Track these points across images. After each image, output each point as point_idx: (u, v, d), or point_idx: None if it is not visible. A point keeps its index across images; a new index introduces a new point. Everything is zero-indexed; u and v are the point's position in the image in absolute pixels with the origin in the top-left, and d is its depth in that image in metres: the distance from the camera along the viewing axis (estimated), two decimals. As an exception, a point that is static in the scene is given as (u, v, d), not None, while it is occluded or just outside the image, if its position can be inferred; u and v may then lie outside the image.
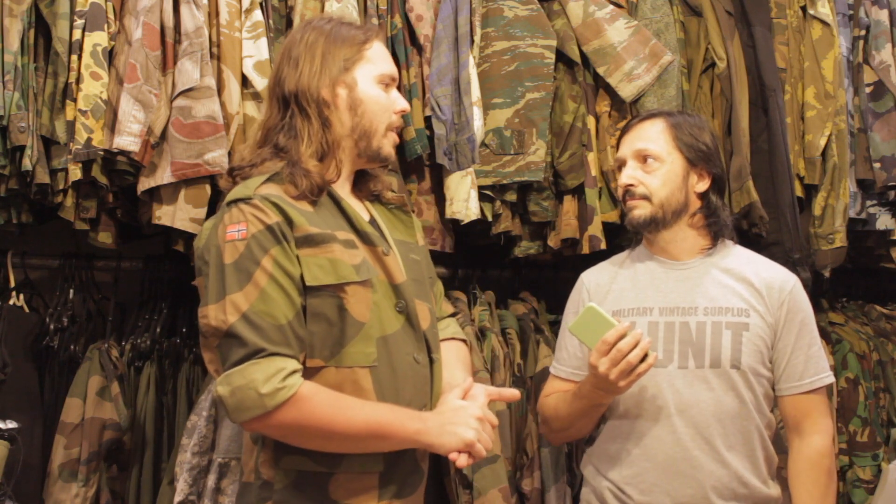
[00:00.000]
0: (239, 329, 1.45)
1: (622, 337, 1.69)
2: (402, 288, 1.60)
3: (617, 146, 1.99)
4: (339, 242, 1.55)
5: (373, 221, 1.68)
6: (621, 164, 1.93)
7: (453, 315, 1.84)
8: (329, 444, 1.51)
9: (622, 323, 1.72)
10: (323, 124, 1.60)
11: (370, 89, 1.65)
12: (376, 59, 1.67)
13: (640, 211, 1.87)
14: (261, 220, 1.51)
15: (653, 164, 1.88)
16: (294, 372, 1.47)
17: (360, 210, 1.68)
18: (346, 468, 1.52)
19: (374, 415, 1.49)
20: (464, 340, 1.78)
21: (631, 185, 1.87)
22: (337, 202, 1.61)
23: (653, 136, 1.90)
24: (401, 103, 1.70)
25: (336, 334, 1.53)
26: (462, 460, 1.49)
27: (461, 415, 1.53)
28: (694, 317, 1.84)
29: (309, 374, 1.51)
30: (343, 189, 1.66)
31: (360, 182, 1.72)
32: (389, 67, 1.70)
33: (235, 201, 1.53)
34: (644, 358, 1.69)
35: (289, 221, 1.51)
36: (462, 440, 1.49)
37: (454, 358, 1.72)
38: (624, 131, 1.97)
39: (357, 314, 1.54)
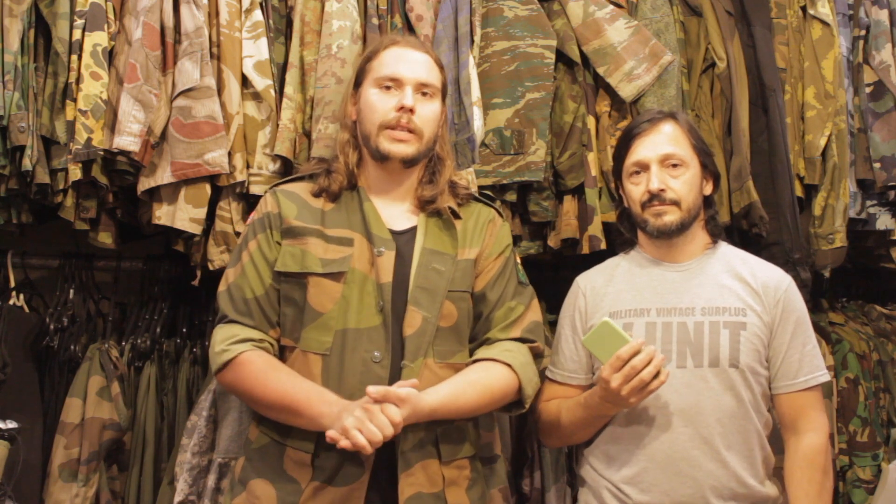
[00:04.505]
0: (222, 297, 1.76)
1: (636, 353, 1.69)
2: (384, 288, 1.69)
3: (624, 147, 1.93)
4: (322, 237, 1.72)
5: (412, 229, 1.77)
6: (641, 168, 1.88)
7: (522, 341, 1.80)
8: (258, 409, 1.71)
9: (636, 339, 1.72)
10: (351, 137, 1.81)
11: (367, 94, 1.79)
12: (378, 66, 1.79)
13: (671, 217, 1.84)
14: (262, 210, 1.80)
15: (679, 169, 1.86)
16: (245, 340, 1.68)
17: (396, 215, 1.79)
18: (290, 442, 1.68)
19: (290, 391, 1.63)
20: (507, 364, 1.73)
21: (662, 189, 1.84)
22: (360, 203, 1.77)
23: (676, 139, 1.88)
24: (400, 100, 1.75)
25: (299, 318, 1.71)
26: (342, 442, 1.54)
27: (353, 405, 1.57)
28: (691, 317, 1.84)
29: (283, 351, 1.75)
30: (387, 194, 1.79)
31: (419, 192, 1.81)
32: (390, 70, 1.77)
33: (267, 192, 1.84)
34: (657, 375, 1.69)
35: (280, 213, 1.75)
36: (341, 426, 1.55)
37: (462, 375, 1.72)
38: (635, 133, 1.91)
39: (315, 304, 1.69)
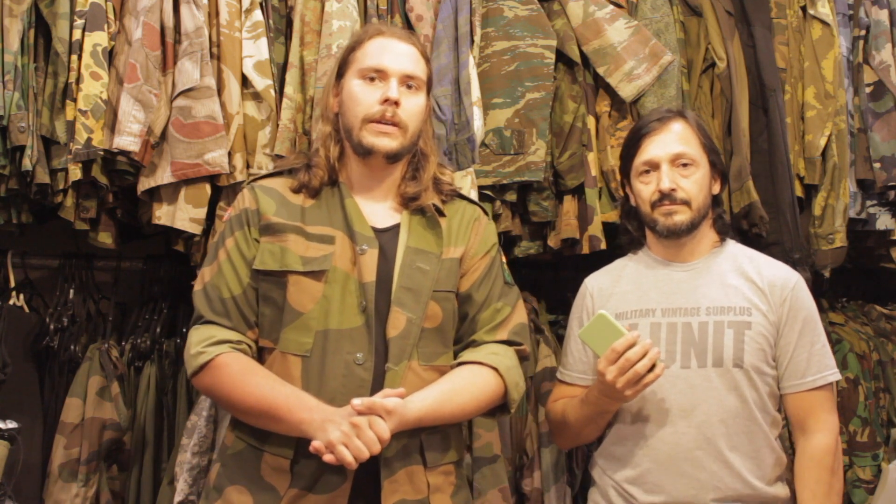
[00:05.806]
0: (198, 297, 1.68)
1: (631, 346, 1.69)
2: (367, 288, 1.63)
3: (633, 146, 1.91)
4: (302, 234, 1.66)
5: (395, 227, 1.72)
6: (651, 167, 1.87)
7: (508, 343, 1.74)
8: (236, 414, 1.65)
9: (632, 332, 1.72)
10: (333, 130, 1.74)
11: (351, 86, 1.72)
12: (362, 57, 1.73)
13: (682, 216, 1.84)
14: (239, 206, 1.72)
15: (689, 169, 1.85)
16: (222, 342, 1.61)
17: (379, 212, 1.73)
18: (268, 448, 1.61)
19: (269, 396, 1.56)
20: (494, 367, 1.68)
21: (673, 189, 1.83)
22: (342, 199, 1.70)
23: (687, 138, 1.87)
24: (385, 92, 1.69)
25: (278, 318, 1.64)
26: (327, 457, 1.49)
27: (339, 416, 1.52)
28: (696, 317, 1.84)
29: (262, 353, 1.67)
30: (369, 191, 1.74)
31: (402, 188, 1.76)
32: (375, 61, 1.71)
33: (244, 188, 1.77)
34: (652, 368, 1.69)
35: (259, 210, 1.69)
36: (326, 439, 1.50)
37: (448, 379, 1.66)
38: (644, 132, 1.89)
39: (295, 303, 1.63)
